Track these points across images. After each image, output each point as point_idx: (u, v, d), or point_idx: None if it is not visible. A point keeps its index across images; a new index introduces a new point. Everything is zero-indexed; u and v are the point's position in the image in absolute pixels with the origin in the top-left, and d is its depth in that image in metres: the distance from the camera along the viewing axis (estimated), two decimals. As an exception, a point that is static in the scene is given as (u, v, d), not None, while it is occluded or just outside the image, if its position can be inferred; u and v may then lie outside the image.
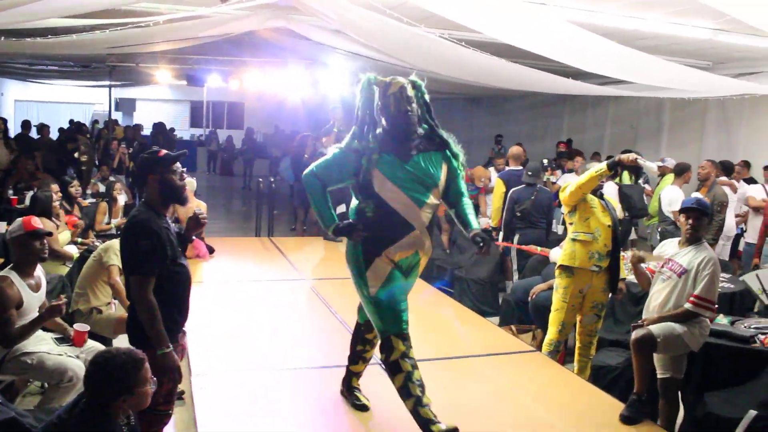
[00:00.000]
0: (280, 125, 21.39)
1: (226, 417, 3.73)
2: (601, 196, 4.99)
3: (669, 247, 4.41)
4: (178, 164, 3.29)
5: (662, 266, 4.32)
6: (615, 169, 4.64)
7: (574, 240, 4.88)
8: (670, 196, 7.53)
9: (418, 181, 3.55)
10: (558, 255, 5.14)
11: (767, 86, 8.35)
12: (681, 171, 7.91)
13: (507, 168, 8.14)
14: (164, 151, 3.31)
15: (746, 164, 9.77)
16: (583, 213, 4.87)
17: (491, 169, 9.82)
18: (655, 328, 4.03)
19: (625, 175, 9.24)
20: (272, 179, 10.20)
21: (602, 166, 4.63)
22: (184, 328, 3.36)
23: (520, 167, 7.91)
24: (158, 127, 18.19)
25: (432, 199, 3.59)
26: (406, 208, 3.52)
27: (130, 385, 2.53)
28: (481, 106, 17.81)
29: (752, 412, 3.68)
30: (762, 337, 4.41)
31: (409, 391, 3.44)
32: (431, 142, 3.68)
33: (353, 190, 3.65)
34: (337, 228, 3.56)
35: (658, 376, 4.24)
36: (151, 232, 3.08)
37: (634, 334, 4.04)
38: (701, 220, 4.24)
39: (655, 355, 4.17)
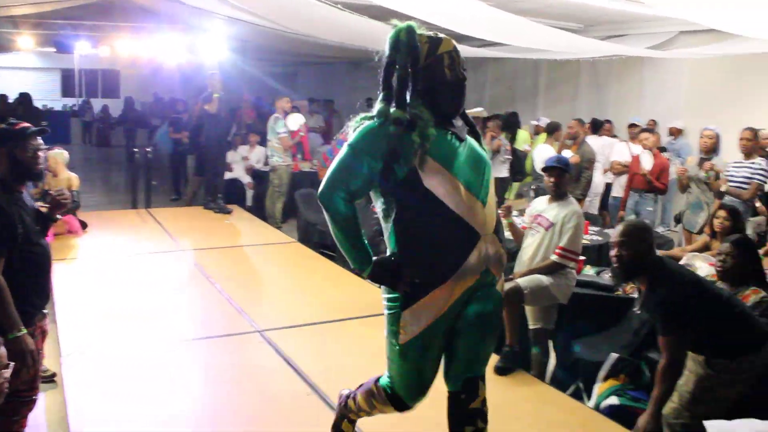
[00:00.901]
0: (159, 93, 20.65)
1: (100, 396, 3.59)
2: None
3: (538, 204, 4.56)
4: (39, 139, 3.07)
5: (532, 222, 4.48)
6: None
7: None
8: (542, 155, 7.79)
9: (475, 169, 2.58)
10: None
11: (634, 48, 8.77)
12: (552, 129, 8.20)
13: None
14: (23, 124, 3.09)
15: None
16: None
17: None
18: (522, 281, 4.17)
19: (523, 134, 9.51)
20: (148, 149, 9.82)
21: None
22: (44, 310, 3.17)
23: None
24: (22, 97, 17.01)
25: (492, 193, 2.67)
26: (470, 212, 2.50)
27: None
28: (365, 69, 17.74)
29: (613, 355, 3.89)
30: (623, 285, 4.64)
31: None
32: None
33: (379, 193, 2.55)
34: (375, 273, 2.52)
35: (530, 326, 4.41)
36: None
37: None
38: (563, 177, 4.39)
39: (526, 307, 4.33)
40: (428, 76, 2.51)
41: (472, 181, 2.52)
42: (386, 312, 2.59)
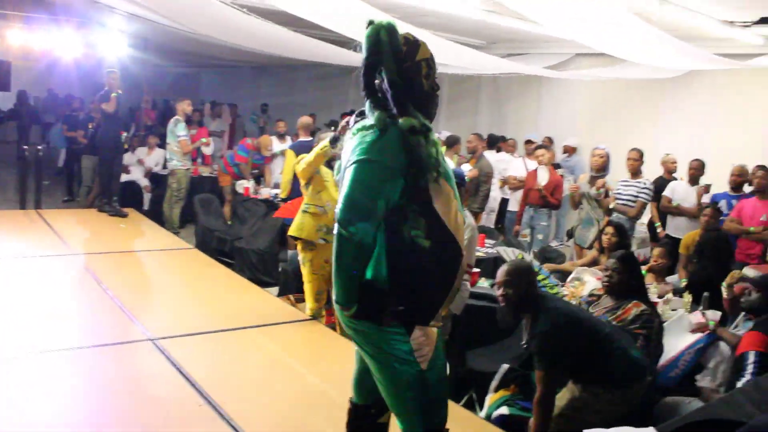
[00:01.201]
0: (54, 88, 19.75)
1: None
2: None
3: None
4: None
5: None
6: (335, 145, 4.64)
7: (304, 212, 4.95)
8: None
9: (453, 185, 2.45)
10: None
11: (532, 66, 9.09)
12: (451, 143, 8.38)
13: (298, 139, 8.14)
14: None
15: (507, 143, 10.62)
16: (316, 186, 4.94)
17: (273, 137, 9.76)
18: None
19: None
20: (39, 147, 9.40)
21: (325, 143, 4.70)
22: None
23: (310, 137, 7.94)
24: None
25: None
26: (457, 230, 2.36)
27: None
28: (269, 74, 17.63)
29: (504, 366, 4.01)
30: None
31: None
32: None
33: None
34: (361, 311, 2.28)
35: None
36: None
37: None
38: (458, 189, 4.47)
39: None
40: (406, 82, 2.30)
41: (456, 197, 2.39)
42: (379, 337, 2.28)
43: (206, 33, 8.84)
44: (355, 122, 2.40)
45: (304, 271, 5.03)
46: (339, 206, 2.21)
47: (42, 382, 3.75)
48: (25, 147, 9.51)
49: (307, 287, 5.05)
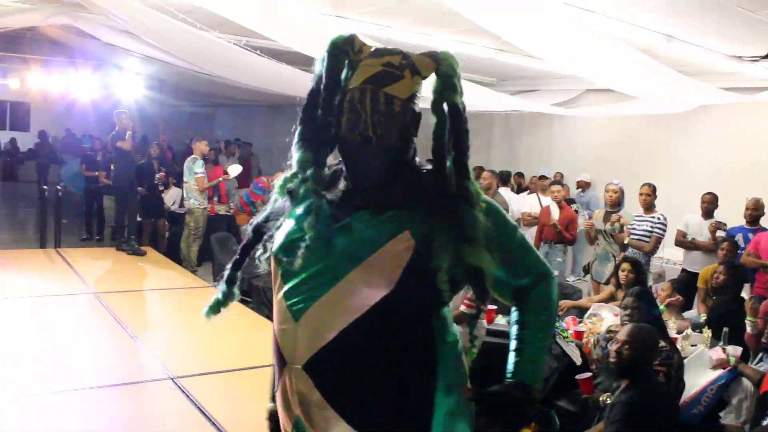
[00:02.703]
0: (72, 128, 20.06)
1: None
2: None
3: None
4: None
5: None
6: None
7: None
8: None
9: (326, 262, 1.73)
10: None
11: (540, 104, 9.18)
12: (469, 179, 8.46)
13: None
14: None
15: (520, 175, 10.71)
16: None
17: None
18: None
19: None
20: (59, 186, 9.53)
21: None
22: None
23: None
24: None
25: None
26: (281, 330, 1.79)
27: None
28: (282, 113, 17.82)
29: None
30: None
31: None
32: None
33: None
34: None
35: None
36: None
37: None
38: None
39: None
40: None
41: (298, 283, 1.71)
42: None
43: (220, 74, 9.01)
44: None
45: None
46: None
47: (63, 420, 3.79)
48: (45, 187, 9.65)
49: None
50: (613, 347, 3.30)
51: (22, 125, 23.16)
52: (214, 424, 3.78)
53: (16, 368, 4.42)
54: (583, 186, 9.79)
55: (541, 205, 8.33)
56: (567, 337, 4.59)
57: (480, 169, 8.78)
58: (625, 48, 5.24)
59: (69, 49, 10.81)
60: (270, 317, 5.67)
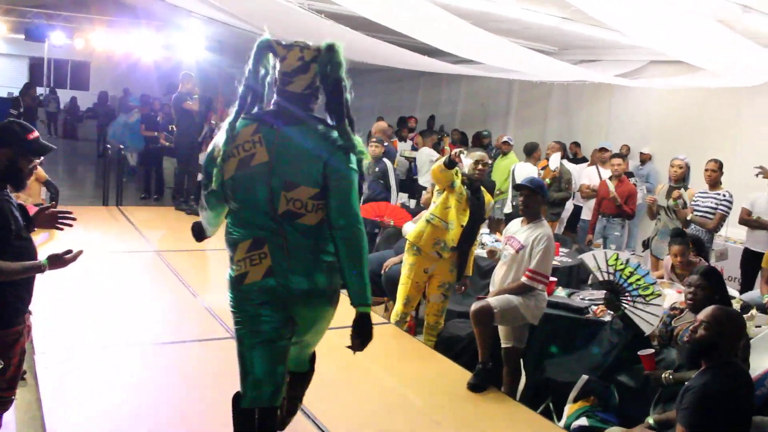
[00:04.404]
0: (130, 88, 20.42)
1: (73, 396, 3.58)
2: (477, 190, 4.97)
3: (512, 225, 4.64)
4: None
5: (505, 243, 4.57)
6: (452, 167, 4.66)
7: (428, 221, 4.91)
8: (525, 173, 7.95)
9: None
10: (410, 229, 5.25)
11: (602, 74, 8.98)
12: (531, 150, 8.37)
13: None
14: (35, 134, 3.02)
15: (577, 145, 10.54)
16: (446, 200, 4.86)
17: None
18: (492, 300, 4.25)
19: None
20: (121, 146, 9.73)
21: (440, 164, 4.68)
22: (29, 307, 3.15)
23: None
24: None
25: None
26: None
27: None
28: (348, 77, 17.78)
29: (584, 377, 3.99)
30: (594, 308, 4.76)
31: None
32: None
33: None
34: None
35: (502, 345, 4.48)
36: None
37: (473, 306, 4.23)
38: (531, 197, 4.42)
39: (499, 327, 4.42)
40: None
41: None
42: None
43: (281, 36, 9.02)
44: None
45: (402, 271, 5.10)
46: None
47: (133, 374, 3.93)
48: (108, 146, 9.86)
49: (400, 289, 5.11)
50: (698, 331, 3.12)
51: (83, 84, 23.65)
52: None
53: (88, 323, 4.60)
54: (645, 159, 9.59)
55: (600, 178, 8.21)
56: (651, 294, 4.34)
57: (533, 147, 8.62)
58: (700, 18, 5.09)
59: (133, 9, 10.96)
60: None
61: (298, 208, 2.52)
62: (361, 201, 6.30)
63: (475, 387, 4.11)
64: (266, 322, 2.61)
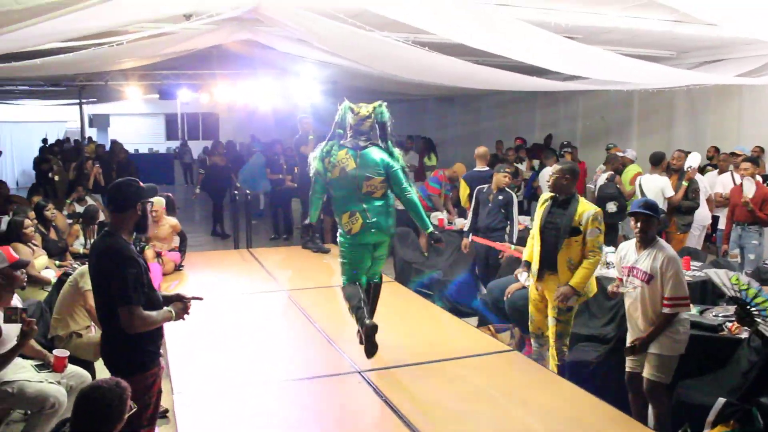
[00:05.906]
0: (255, 134, 21.35)
1: (211, 433, 3.77)
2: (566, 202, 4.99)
3: (627, 253, 4.48)
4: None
5: (627, 275, 4.40)
6: None
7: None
8: (660, 185, 7.70)
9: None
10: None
11: (721, 75, 8.51)
12: (659, 160, 8.08)
13: (474, 168, 8.27)
14: (141, 183, 3.34)
15: (717, 150, 9.97)
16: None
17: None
18: (647, 371, 4.23)
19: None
20: (248, 192, 10.19)
21: None
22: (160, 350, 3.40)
23: (486, 167, 8.02)
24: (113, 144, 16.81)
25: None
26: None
27: (113, 419, 2.57)
28: (454, 104, 17.88)
29: (721, 400, 3.76)
30: (729, 324, 4.51)
31: None
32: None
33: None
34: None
35: (645, 375, 4.30)
36: (134, 260, 3.10)
37: (627, 375, 4.31)
38: (649, 222, 4.28)
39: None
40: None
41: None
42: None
43: (389, 71, 9.21)
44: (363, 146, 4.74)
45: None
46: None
47: (266, 411, 4.09)
48: (236, 192, 10.35)
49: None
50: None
51: (213, 135, 25.05)
52: (400, 417, 3.89)
53: (218, 361, 4.83)
54: (782, 161, 9.01)
55: (735, 184, 7.77)
56: None
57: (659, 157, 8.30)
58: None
59: (251, 60, 11.48)
60: (452, 310, 5.84)
61: (372, 190, 4.68)
62: (475, 225, 6.51)
63: None
64: (361, 251, 4.81)
